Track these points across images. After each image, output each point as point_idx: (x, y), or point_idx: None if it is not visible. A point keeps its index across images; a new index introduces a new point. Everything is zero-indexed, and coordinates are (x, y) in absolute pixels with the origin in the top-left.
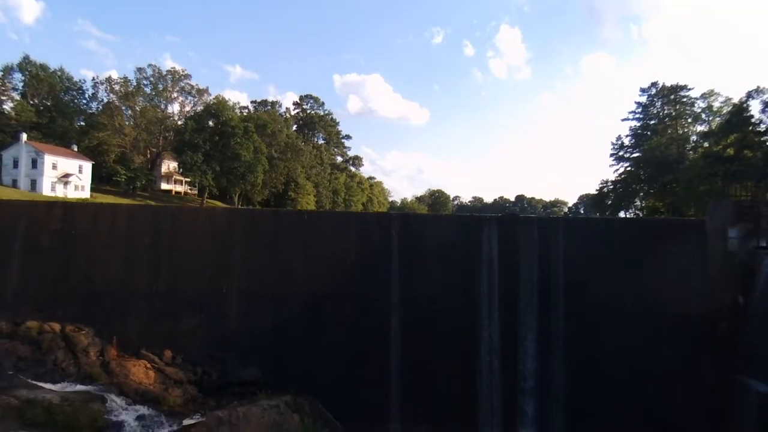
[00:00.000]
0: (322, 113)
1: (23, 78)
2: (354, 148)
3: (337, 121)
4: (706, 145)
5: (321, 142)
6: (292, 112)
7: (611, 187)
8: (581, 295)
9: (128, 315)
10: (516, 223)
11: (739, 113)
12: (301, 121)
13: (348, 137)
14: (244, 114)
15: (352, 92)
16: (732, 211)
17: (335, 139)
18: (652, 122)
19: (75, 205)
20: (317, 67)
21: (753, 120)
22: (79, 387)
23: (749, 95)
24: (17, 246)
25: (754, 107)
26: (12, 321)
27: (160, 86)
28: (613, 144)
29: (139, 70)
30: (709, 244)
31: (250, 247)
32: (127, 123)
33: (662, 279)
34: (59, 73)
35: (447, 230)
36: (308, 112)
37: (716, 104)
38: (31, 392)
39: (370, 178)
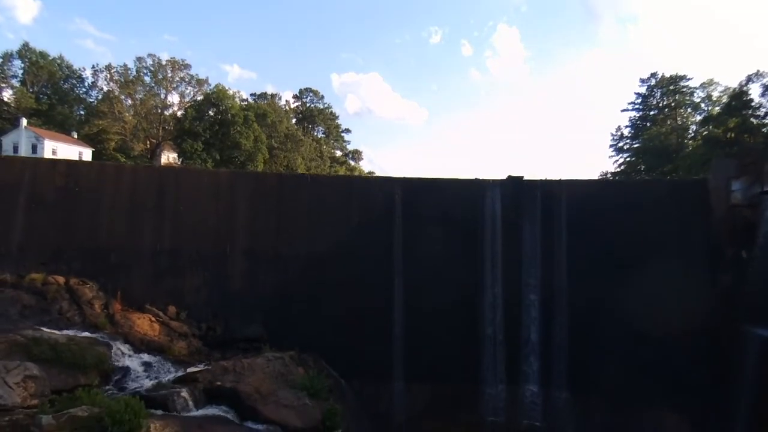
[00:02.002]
0: (321, 107)
1: (23, 65)
2: (353, 145)
3: (337, 115)
4: (705, 133)
5: (320, 135)
6: (292, 105)
7: (610, 178)
8: (584, 253)
9: (133, 271)
10: (519, 185)
11: (739, 97)
12: (300, 115)
13: (347, 131)
14: (244, 104)
15: (350, 91)
16: (735, 166)
17: (335, 132)
18: (652, 113)
19: (79, 163)
20: (315, 66)
21: (753, 104)
22: (85, 334)
23: (749, 79)
24: (22, 201)
25: (754, 91)
26: (16, 273)
27: (160, 75)
28: (612, 135)
29: (139, 59)
30: (713, 200)
31: (254, 208)
32: (126, 112)
33: (664, 235)
34: (59, 60)
35: (450, 193)
36: (308, 105)
37: (715, 94)
38: (37, 332)
39: (370, 172)
